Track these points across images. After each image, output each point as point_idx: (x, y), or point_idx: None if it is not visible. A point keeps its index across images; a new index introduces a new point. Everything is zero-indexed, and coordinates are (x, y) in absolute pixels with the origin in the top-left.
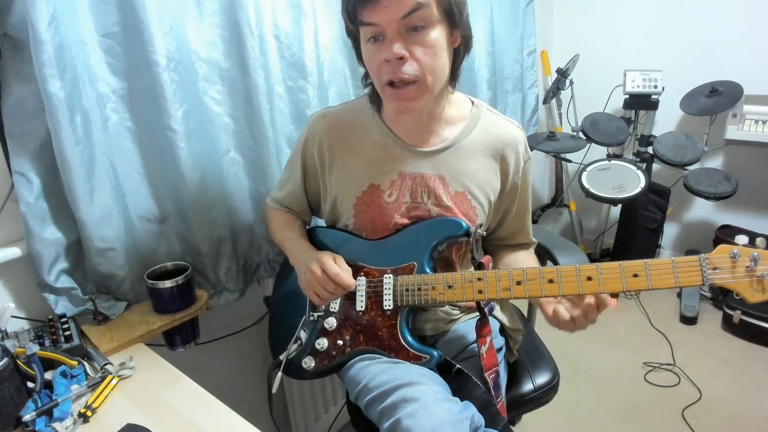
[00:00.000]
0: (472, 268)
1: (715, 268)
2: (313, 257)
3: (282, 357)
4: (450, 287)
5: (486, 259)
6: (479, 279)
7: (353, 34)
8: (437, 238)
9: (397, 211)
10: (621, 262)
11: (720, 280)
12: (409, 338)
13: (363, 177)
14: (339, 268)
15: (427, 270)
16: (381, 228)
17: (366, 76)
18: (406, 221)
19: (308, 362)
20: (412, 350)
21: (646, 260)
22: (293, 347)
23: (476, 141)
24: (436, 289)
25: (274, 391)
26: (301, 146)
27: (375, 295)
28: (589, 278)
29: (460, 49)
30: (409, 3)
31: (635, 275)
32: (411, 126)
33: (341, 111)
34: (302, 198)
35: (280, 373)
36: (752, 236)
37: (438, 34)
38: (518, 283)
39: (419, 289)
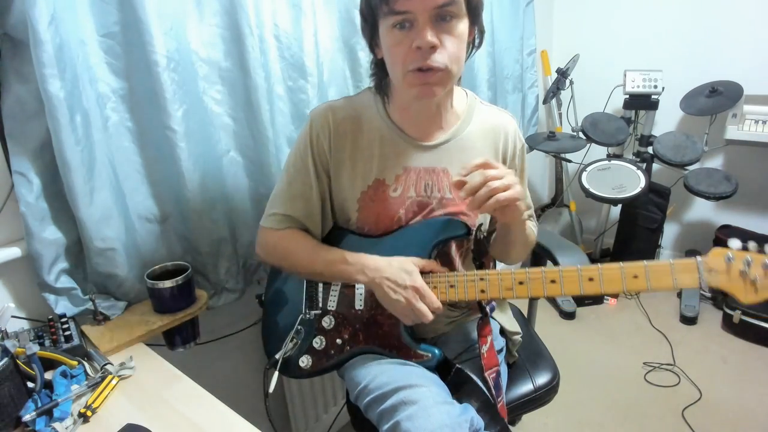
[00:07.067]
0: (473, 266)
1: (711, 271)
2: (404, 269)
3: (278, 356)
4: (452, 287)
5: (488, 259)
6: (482, 279)
7: (371, 20)
8: (438, 238)
9: (402, 206)
10: (621, 263)
11: (715, 282)
12: (410, 337)
13: (368, 172)
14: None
15: None
16: (385, 223)
17: (376, 63)
18: (410, 216)
19: (305, 361)
20: (413, 349)
21: (645, 262)
22: (289, 345)
23: (475, 131)
24: (438, 288)
25: (270, 391)
26: (307, 143)
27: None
28: (591, 279)
29: (471, 45)
30: None
31: (635, 276)
32: (419, 118)
33: (347, 104)
34: (316, 201)
35: (276, 373)
36: (744, 239)
37: (464, 27)
38: (521, 282)
39: None
